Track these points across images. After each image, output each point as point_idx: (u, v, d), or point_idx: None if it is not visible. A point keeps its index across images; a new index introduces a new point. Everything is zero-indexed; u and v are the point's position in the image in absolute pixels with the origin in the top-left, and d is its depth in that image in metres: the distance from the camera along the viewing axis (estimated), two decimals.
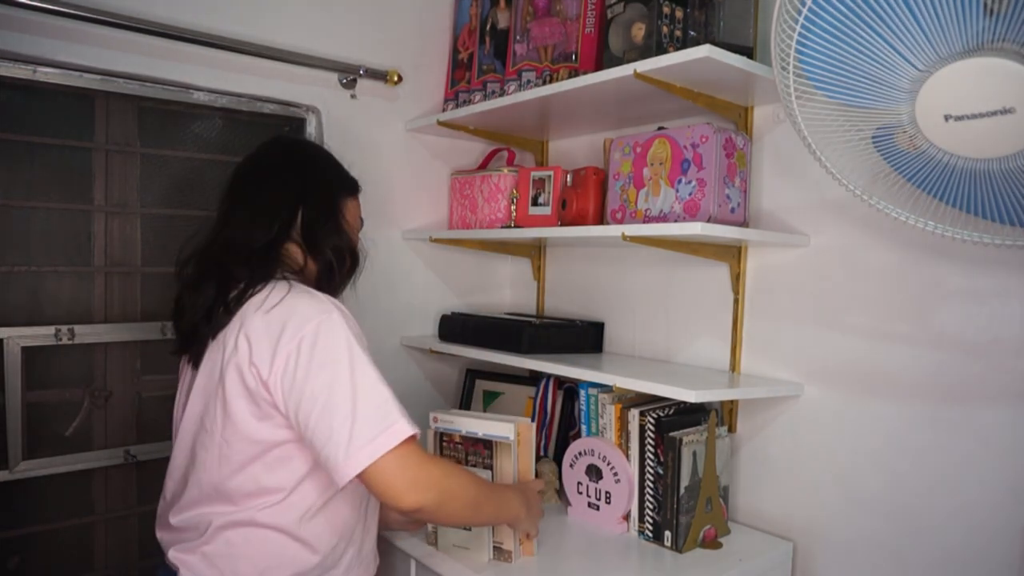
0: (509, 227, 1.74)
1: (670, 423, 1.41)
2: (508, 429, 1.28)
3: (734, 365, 1.55)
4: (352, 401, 0.97)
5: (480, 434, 1.31)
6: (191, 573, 1.07)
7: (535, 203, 1.70)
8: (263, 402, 1.03)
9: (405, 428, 0.98)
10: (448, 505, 1.04)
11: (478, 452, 1.32)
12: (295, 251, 1.18)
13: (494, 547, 1.29)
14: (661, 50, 1.32)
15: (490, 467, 1.30)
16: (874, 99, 0.95)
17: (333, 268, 1.19)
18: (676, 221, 1.37)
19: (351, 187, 1.30)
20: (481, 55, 1.80)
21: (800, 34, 0.94)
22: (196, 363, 1.11)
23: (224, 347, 1.06)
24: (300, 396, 0.99)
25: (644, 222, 1.42)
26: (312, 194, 1.20)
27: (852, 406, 1.37)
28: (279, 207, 1.16)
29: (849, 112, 0.99)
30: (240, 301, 1.07)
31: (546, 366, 1.53)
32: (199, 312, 1.09)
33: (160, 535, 1.17)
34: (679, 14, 1.35)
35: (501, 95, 1.68)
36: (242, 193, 1.19)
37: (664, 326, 1.71)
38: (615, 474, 1.46)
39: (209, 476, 1.08)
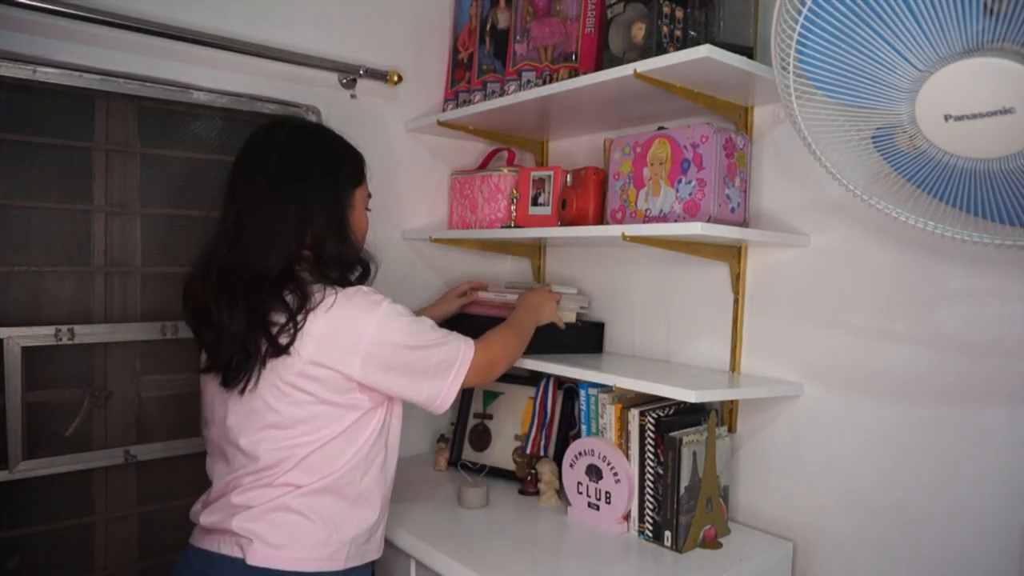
0: (509, 227, 1.74)
1: (670, 423, 1.41)
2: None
3: (734, 365, 1.55)
4: (426, 366, 1.21)
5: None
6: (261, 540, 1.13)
7: (535, 203, 1.70)
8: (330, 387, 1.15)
9: (465, 361, 1.25)
10: (508, 364, 1.41)
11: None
12: (308, 254, 1.21)
13: None
14: (661, 50, 1.32)
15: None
16: (874, 99, 0.95)
17: (344, 276, 1.22)
18: (676, 221, 1.37)
19: (356, 177, 1.30)
20: (481, 55, 1.80)
21: (800, 34, 0.94)
22: (243, 390, 1.14)
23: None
24: (391, 376, 1.18)
25: (644, 222, 1.42)
26: (318, 205, 1.20)
27: (852, 406, 1.37)
28: (289, 230, 1.17)
29: (849, 112, 0.99)
30: (292, 337, 1.12)
31: (546, 366, 1.53)
32: (236, 343, 1.13)
33: (207, 519, 1.19)
34: (679, 14, 1.35)
35: (501, 95, 1.68)
36: (249, 203, 1.18)
37: (664, 326, 1.71)
38: (615, 474, 1.46)
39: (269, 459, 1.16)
